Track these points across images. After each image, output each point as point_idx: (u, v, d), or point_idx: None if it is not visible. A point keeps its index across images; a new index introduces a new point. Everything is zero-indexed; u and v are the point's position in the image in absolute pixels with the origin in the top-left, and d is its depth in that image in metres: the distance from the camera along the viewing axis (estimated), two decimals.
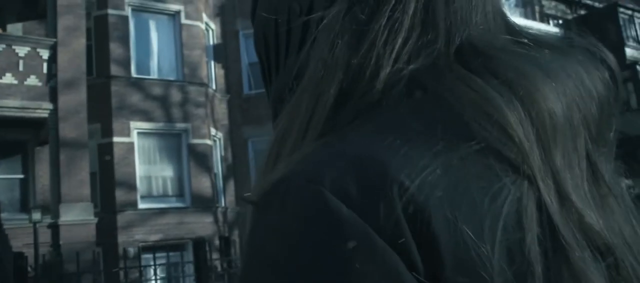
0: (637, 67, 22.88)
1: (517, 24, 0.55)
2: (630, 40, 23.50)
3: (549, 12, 23.09)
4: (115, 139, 13.55)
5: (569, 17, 23.99)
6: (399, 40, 0.47)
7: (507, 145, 0.42)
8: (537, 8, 21.71)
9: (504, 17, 0.55)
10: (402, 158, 0.40)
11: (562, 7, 23.91)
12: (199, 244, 6.66)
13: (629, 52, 23.05)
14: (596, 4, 24.90)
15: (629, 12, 24.03)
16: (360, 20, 0.48)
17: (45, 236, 10.91)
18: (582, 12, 24.47)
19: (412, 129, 0.43)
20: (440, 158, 0.40)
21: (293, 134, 0.48)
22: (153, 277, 9.94)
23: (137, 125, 13.96)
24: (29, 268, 9.89)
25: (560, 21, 23.43)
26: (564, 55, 0.50)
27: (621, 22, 23.28)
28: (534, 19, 20.99)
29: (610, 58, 0.52)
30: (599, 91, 0.49)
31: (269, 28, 0.59)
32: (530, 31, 0.53)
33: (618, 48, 23.03)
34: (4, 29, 12.78)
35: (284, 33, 0.57)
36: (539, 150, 0.42)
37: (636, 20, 24.12)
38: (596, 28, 23.48)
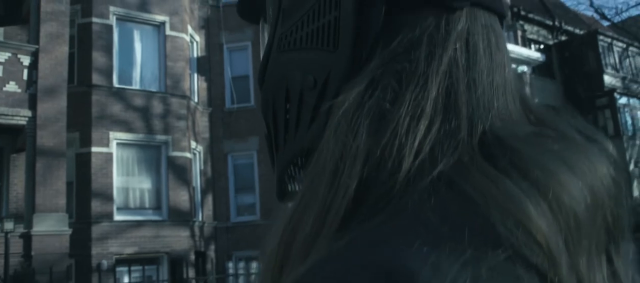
0: (615, 94, 23.31)
1: (531, 101, 0.54)
2: (609, 67, 23.93)
3: (531, 36, 23.42)
4: (94, 149, 13.42)
5: (550, 42, 24.36)
6: (422, 128, 0.46)
7: (534, 252, 0.41)
8: (519, 32, 22.00)
9: (523, 98, 0.53)
10: (431, 269, 0.39)
11: (543, 32, 24.28)
12: (176, 261, 6.56)
13: (607, 79, 23.46)
14: (577, 31, 25.33)
15: (609, 40, 24.49)
16: (382, 104, 0.47)
17: (16, 246, 10.72)
18: (563, 37, 24.87)
19: (440, 232, 0.41)
20: (469, 269, 0.39)
21: (306, 227, 0.46)
22: None
23: (117, 136, 13.84)
24: None
25: (542, 46, 23.78)
26: (584, 148, 0.48)
27: (600, 50, 23.71)
28: (516, 43, 21.27)
29: (613, 151, 0.51)
30: (614, 187, 0.47)
31: (280, 96, 0.57)
32: (546, 115, 0.52)
33: (597, 74, 23.44)
34: None
35: (296, 104, 0.55)
36: (565, 256, 0.42)
37: (615, 48, 24.59)
38: (576, 54, 23.88)
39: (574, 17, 27.77)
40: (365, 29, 0.52)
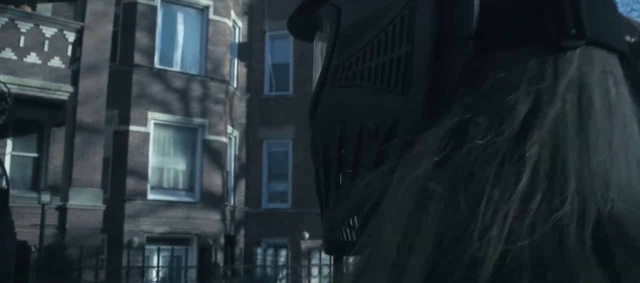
0: None
1: None
2: None
3: None
4: (132, 128, 13.63)
5: None
6: (514, 205, 0.35)
7: None
8: None
9: None
10: None
11: None
12: (205, 249, 6.60)
13: None
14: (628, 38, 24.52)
15: None
16: (462, 171, 0.36)
17: (52, 218, 11.00)
18: None
19: None
20: None
21: None
22: (155, 269, 9.92)
23: (155, 116, 14.02)
24: (33, 248, 9.99)
25: None
26: None
27: None
28: None
29: None
30: None
31: (332, 140, 0.49)
32: None
33: None
34: (34, 8, 12.91)
35: (352, 152, 0.47)
36: None
37: None
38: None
39: (627, 24, 26.87)
40: (445, 69, 0.41)
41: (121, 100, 13.53)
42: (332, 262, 6.86)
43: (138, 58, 14.09)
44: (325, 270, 7.04)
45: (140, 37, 14.18)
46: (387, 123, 0.44)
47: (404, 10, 0.44)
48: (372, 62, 0.46)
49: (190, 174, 14.53)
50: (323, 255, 7.44)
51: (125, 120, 13.68)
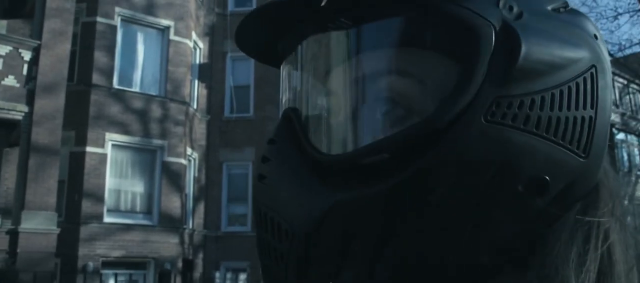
0: (613, 129, 23.34)
1: None
2: None
3: None
4: (89, 149, 13.34)
5: None
6: None
7: None
8: None
9: None
10: None
11: None
12: (164, 274, 6.48)
13: None
14: None
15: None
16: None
17: (2, 242, 10.62)
18: None
19: None
20: None
21: None
22: None
23: (113, 137, 13.77)
24: None
25: None
26: None
27: None
28: None
29: None
30: None
31: (480, 180, 0.43)
32: None
33: None
34: None
35: (508, 201, 0.43)
36: None
37: (616, 84, 24.64)
38: None
39: None
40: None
41: (78, 120, 13.24)
42: None
43: (96, 78, 13.84)
44: None
45: (99, 57, 13.96)
46: (561, 183, 0.42)
47: (587, 73, 0.44)
48: (554, 112, 0.42)
49: (149, 196, 14.28)
50: None
51: (82, 141, 13.38)
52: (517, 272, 0.41)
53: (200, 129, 16.66)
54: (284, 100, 0.55)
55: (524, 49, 0.42)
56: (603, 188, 0.45)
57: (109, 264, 12.76)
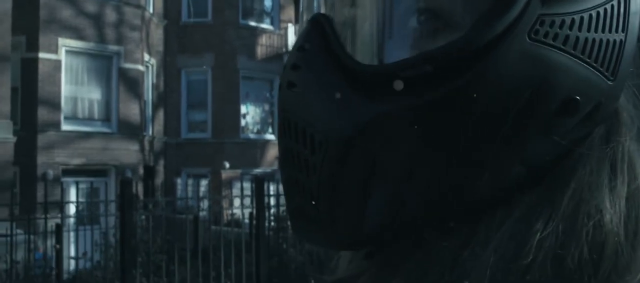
0: None
1: None
2: None
3: None
4: (41, 55, 12.93)
5: None
6: None
7: None
8: None
9: None
10: None
11: None
12: (126, 182, 6.55)
13: None
14: None
15: None
16: None
17: None
18: None
19: None
20: None
21: None
22: (75, 203, 9.74)
23: (66, 43, 13.34)
24: None
25: None
26: None
27: None
28: None
29: None
30: None
31: (513, 98, 0.43)
32: None
33: None
34: None
35: (539, 118, 0.43)
36: None
37: None
38: None
39: None
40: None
41: (28, 25, 12.73)
42: (253, 192, 7.03)
43: None
44: (247, 201, 7.19)
45: None
46: (590, 104, 0.43)
47: None
48: (590, 33, 0.43)
49: (106, 103, 14.09)
50: (245, 184, 7.56)
51: (33, 46, 12.93)
52: (548, 193, 0.42)
53: (157, 34, 16.26)
54: (307, 3, 0.54)
55: None
56: (623, 112, 0.46)
57: (69, 172, 12.76)
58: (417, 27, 0.44)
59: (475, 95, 0.40)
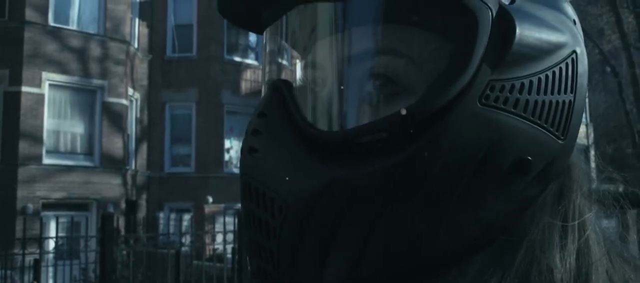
0: None
1: None
2: None
3: None
4: (24, 89, 12.90)
5: None
6: None
7: None
8: None
9: None
10: None
11: None
12: (107, 216, 6.51)
13: None
14: None
15: None
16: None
17: None
18: None
19: None
20: None
21: None
22: (54, 238, 9.62)
23: (50, 77, 13.33)
24: None
25: None
26: None
27: None
28: None
29: None
30: None
31: (467, 159, 0.44)
32: None
33: None
34: None
35: (494, 179, 0.45)
36: None
37: None
38: None
39: None
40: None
41: (12, 58, 12.72)
42: (236, 227, 7.01)
43: (30, 14, 13.23)
44: (230, 236, 7.16)
45: None
46: (542, 163, 0.45)
47: (569, 59, 0.47)
48: (539, 96, 0.44)
49: (89, 137, 14.02)
50: (227, 219, 7.53)
51: (16, 80, 12.89)
52: (501, 252, 0.43)
53: (141, 68, 16.30)
54: (268, 70, 0.55)
55: (518, 33, 0.43)
56: (575, 168, 0.48)
57: (49, 206, 12.61)
58: (373, 92, 0.45)
59: (430, 158, 0.42)
